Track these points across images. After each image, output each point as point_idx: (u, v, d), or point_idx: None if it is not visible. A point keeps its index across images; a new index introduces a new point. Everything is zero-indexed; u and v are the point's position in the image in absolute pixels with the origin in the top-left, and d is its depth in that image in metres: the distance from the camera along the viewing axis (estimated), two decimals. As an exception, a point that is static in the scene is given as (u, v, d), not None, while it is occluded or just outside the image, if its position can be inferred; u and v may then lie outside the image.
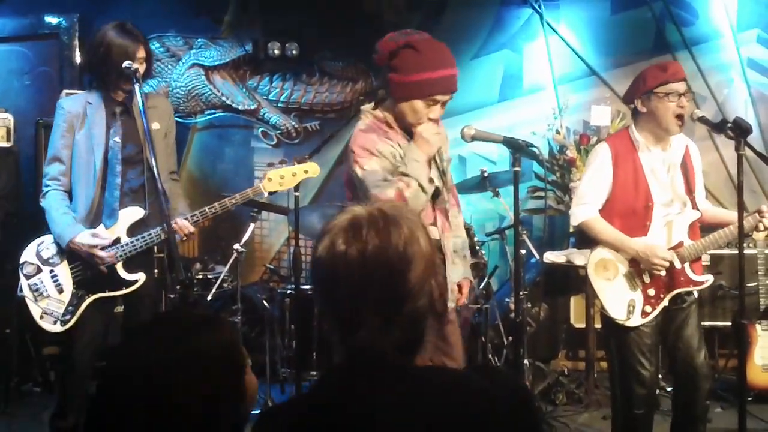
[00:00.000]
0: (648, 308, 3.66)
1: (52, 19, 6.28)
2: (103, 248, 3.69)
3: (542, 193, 5.99)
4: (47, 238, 3.79)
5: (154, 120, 3.80)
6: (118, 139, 3.78)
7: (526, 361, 4.89)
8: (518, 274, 3.18)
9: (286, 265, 6.56)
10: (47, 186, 3.79)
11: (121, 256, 3.73)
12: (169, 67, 6.67)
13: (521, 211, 3.26)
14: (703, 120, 3.63)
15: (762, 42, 6.47)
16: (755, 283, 5.06)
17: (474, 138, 3.19)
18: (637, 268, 3.69)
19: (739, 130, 3.37)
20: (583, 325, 5.46)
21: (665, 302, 3.68)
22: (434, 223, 3.28)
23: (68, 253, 3.75)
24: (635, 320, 3.66)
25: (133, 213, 3.78)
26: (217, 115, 6.75)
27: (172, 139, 4.01)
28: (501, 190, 5.48)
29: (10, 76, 6.28)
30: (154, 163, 3.61)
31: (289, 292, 5.15)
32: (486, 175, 5.37)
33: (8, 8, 6.27)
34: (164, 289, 4.79)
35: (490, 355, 5.18)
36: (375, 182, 3.09)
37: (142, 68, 3.72)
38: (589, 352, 5.37)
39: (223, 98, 6.71)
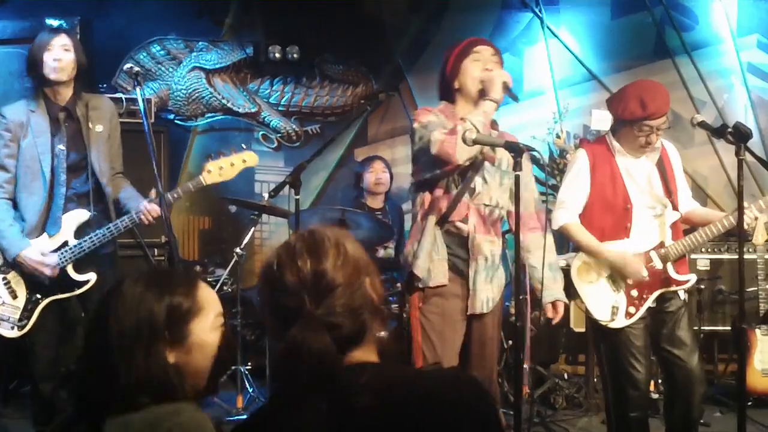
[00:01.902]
0: (632, 309, 3.69)
1: (53, 22, 6.27)
2: (47, 265, 3.74)
3: (543, 198, 5.98)
4: None
5: (97, 122, 3.86)
6: (62, 146, 3.83)
7: (526, 366, 4.89)
8: (519, 278, 3.18)
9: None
10: None
11: (69, 258, 3.80)
12: (170, 70, 6.67)
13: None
14: (703, 125, 3.63)
15: (762, 47, 6.48)
16: (755, 288, 5.06)
17: (475, 142, 3.20)
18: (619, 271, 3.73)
19: (739, 135, 3.37)
20: (583, 330, 5.45)
21: (649, 302, 3.69)
22: (464, 220, 3.36)
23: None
24: (619, 322, 3.68)
25: (77, 215, 3.84)
26: (217, 118, 6.76)
27: (117, 140, 4.04)
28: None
29: (11, 78, 6.27)
30: (98, 168, 3.79)
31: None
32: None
33: (9, 11, 6.27)
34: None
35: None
36: (428, 127, 3.30)
37: (61, 54, 3.76)
38: (589, 356, 5.37)
39: (224, 101, 6.71)
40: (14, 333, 3.80)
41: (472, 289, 3.36)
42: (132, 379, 1.64)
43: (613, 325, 3.68)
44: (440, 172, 3.31)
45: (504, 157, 3.43)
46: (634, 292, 3.70)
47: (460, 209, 3.36)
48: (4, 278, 3.82)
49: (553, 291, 3.47)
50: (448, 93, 3.49)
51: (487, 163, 3.41)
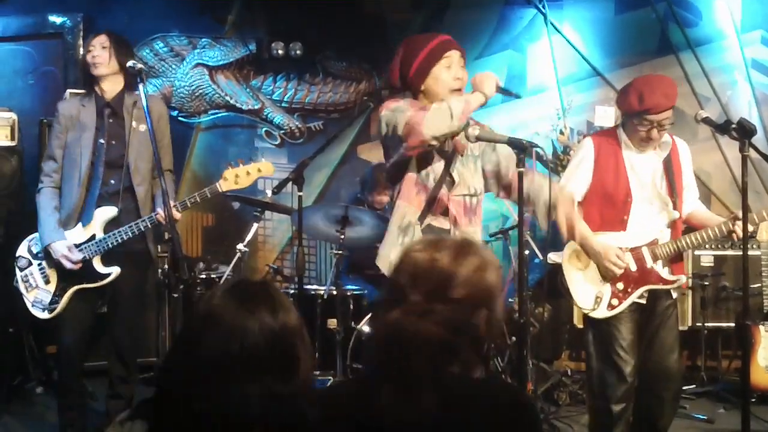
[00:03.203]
0: (615, 301, 3.69)
1: (56, 19, 6.28)
2: (70, 260, 3.94)
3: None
4: (37, 235, 4.07)
5: (141, 122, 3.96)
6: (103, 140, 4.00)
7: (529, 362, 4.89)
8: (522, 274, 3.18)
9: (289, 265, 6.56)
10: (41, 182, 4.07)
11: (95, 252, 3.97)
12: (173, 66, 6.67)
13: (525, 212, 3.25)
14: (707, 121, 3.63)
15: (766, 43, 6.46)
16: (759, 285, 5.05)
17: (478, 138, 3.19)
18: None
19: (743, 131, 3.37)
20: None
21: (634, 297, 3.68)
22: (445, 213, 3.30)
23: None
24: (600, 312, 3.69)
25: (107, 211, 3.99)
26: (220, 114, 6.76)
27: (165, 139, 4.16)
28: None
29: (15, 76, 6.29)
30: (133, 166, 3.97)
31: (292, 292, 5.14)
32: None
33: (12, 7, 6.27)
34: (168, 288, 4.81)
35: (493, 356, 5.17)
36: (396, 111, 3.21)
37: (100, 51, 3.98)
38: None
39: (227, 98, 6.71)
40: (45, 315, 4.04)
41: None
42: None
43: (594, 314, 3.70)
44: (406, 148, 3.20)
45: (475, 145, 3.38)
46: (620, 285, 3.69)
47: (440, 202, 3.30)
48: (40, 264, 4.07)
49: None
50: (409, 89, 3.38)
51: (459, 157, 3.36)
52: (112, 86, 4.05)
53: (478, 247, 1.66)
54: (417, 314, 1.55)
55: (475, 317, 1.61)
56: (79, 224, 3.99)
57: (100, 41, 4.01)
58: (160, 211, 3.89)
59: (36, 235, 4.07)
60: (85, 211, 3.99)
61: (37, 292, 4.05)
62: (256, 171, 4.03)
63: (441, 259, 1.60)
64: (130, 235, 3.95)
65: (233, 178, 4.00)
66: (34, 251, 4.08)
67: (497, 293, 1.65)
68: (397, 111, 3.22)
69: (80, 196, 3.97)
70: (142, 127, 3.98)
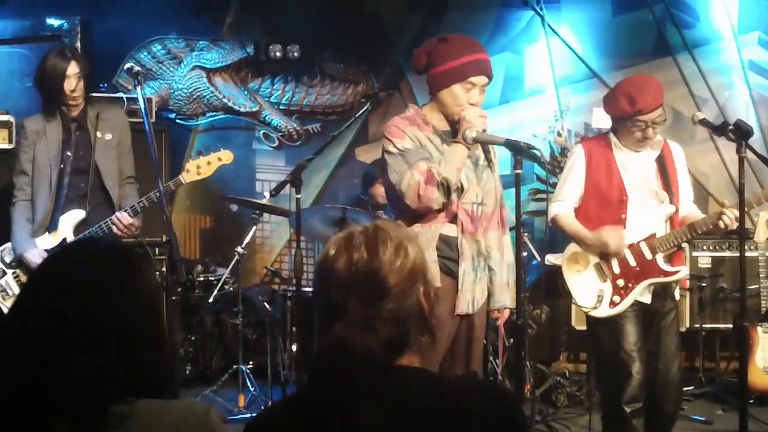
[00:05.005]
0: (616, 298, 3.69)
1: (53, 21, 6.28)
2: None
3: (544, 196, 5.99)
4: (9, 245, 4.16)
5: (106, 131, 4.18)
6: (70, 153, 4.14)
7: (527, 364, 4.90)
8: (520, 276, 3.18)
9: (287, 267, 6.57)
10: (15, 196, 4.18)
11: None
12: (171, 69, 6.67)
13: (523, 213, 3.26)
14: (704, 122, 3.64)
15: (763, 44, 6.47)
16: (756, 286, 5.04)
17: (476, 140, 3.19)
18: (606, 260, 3.74)
19: (740, 133, 3.38)
20: (584, 328, 5.42)
21: (636, 293, 3.68)
22: (453, 221, 3.26)
23: None
24: (603, 310, 3.69)
25: (73, 215, 4.11)
26: (218, 117, 6.76)
27: (127, 147, 4.31)
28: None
29: (12, 78, 6.28)
30: (102, 171, 4.10)
31: (290, 294, 5.15)
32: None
33: (9, 10, 6.27)
34: (166, 291, 4.81)
35: (491, 358, 5.18)
36: (397, 167, 3.21)
37: (74, 83, 4.06)
38: (591, 354, 5.37)
39: (225, 100, 6.71)
40: None
41: (460, 290, 3.26)
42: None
43: (595, 313, 3.70)
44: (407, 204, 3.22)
45: (480, 154, 3.37)
46: (620, 282, 3.70)
47: (449, 209, 3.26)
48: (14, 272, 4.14)
49: (502, 298, 3.38)
50: (430, 86, 3.36)
51: (467, 161, 3.32)
52: (78, 105, 4.16)
53: (387, 229, 1.60)
54: (361, 324, 1.49)
55: (413, 297, 1.57)
56: (45, 234, 4.10)
57: (74, 71, 4.06)
58: (120, 215, 3.99)
59: (7, 245, 4.15)
60: (53, 218, 4.10)
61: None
62: (217, 160, 4.14)
63: (360, 258, 1.54)
64: (101, 234, 4.01)
65: (195, 170, 4.11)
66: (7, 261, 4.15)
67: (424, 264, 1.61)
68: (407, 158, 3.19)
69: (50, 206, 4.08)
70: (108, 136, 4.17)
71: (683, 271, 3.78)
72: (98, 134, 4.15)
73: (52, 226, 4.10)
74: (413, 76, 6.69)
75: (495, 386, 1.67)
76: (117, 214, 4.03)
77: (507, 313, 3.45)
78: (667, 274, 3.72)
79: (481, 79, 3.27)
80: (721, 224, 3.62)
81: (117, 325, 1.48)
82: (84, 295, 1.48)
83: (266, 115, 6.77)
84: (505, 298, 3.38)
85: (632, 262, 3.70)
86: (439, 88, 3.29)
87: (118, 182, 4.21)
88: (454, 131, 3.28)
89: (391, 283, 1.54)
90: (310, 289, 4.70)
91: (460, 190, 3.27)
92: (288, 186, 4.22)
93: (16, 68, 6.31)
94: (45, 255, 3.92)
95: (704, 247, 5.77)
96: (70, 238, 4.04)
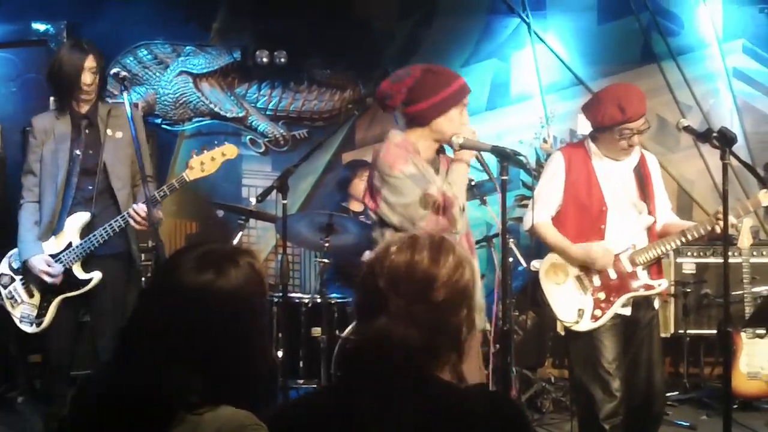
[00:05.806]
0: (597, 312, 3.68)
1: (39, 26, 6.26)
2: (50, 274, 3.91)
3: (529, 202, 6.01)
4: (16, 250, 4.04)
5: (117, 129, 4.01)
6: (79, 151, 3.98)
7: (513, 369, 4.90)
8: (506, 282, 3.19)
9: (273, 273, 6.55)
10: (23, 197, 4.04)
11: (73, 259, 3.94)
12: (157, 74, 6.66)
13: (508, 220, 3.26)
14: (688, 129, 3.66)
15: (747, 52, 6.53)
16: (740, 291, 5.08)
17: (462, 146, 3.21)
18: (587, 272, 3.72)
19: (724, 140, 3.40)
20: (569, 333, 5.47)
21: (617, 307, 3.68)
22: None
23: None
24: (584, 324, 3.67)
25: (79, 218, 3.96)
26: (205, 122, 6.74)
27: (143, 146, 4.10)
28: (488, 198, 5.48)
29: (-3, 82, 6.26)
30: (111, 171, 3.94)
31: (276, 299, 5.13)
32: (473, 183, 5.36)
33: (-5, 14, 6.25)
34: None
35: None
36: (406, 190, 3.22)
37: (91, 78, 3.91)
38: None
39: (211, 106, 6.70)
40: (33, 329, 4.01)
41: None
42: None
43: (577, 327, 3.68)
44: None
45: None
46: (601, 295, 3.69)
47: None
48: (22, 279, 4.04)
49: (481, 321, 3.35)
50: (405, 115, 3.35)
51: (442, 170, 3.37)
52: (90, 100, 4.02)
53: (453, 245, 1.65)
54: (403, 319, 1.53)
55: (455, 318, 1.60)
56: (52, 236, 3.98)
57: (89, 66, 3.91)
58: (136, 207, 3.85)
59: (16, 250, 4.05)
60: (60, 220, 3.97)
61: (23, 307, 4.01)
62: (221, 155, 4.00)
63: (421, 261, 1.58)
64: (106, 237, 3.90)
65: (199, 166, 3.96)
66: (15, 267, 4.06)
67: (473, 291, 1.64)
68: (416, 182, 3.22)
69: (57, 208, 3.95)
70: (118, 134, 4.00)
71: (664, 284, 3.78)
72: (108, 132, 3.99)
73: (57, 229, 3.97)
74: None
75: (505, 398, 1.72)
76: (134, 206, 3.87)
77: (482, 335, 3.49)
78: (648, 287, 3.72)
79: (467, 99, 3.38)
80: (717, 229, 3.63)
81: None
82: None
83: (253, 121, 6.76)
84: (483, 321, 3.40)
85: (612, 275, 3.69)
86: (433, 117, 3.30)
87: (128, 183, 4.06)
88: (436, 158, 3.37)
89: (441, 294, 1.57)
90: (296, 295, 4.70)
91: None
92: (274, 191, 4.22)
93: (2, 73, 6.29)
94: (49, 260, 3.91)
95: (689, 254, 5.80)
96: (76, 241, 3.93)
